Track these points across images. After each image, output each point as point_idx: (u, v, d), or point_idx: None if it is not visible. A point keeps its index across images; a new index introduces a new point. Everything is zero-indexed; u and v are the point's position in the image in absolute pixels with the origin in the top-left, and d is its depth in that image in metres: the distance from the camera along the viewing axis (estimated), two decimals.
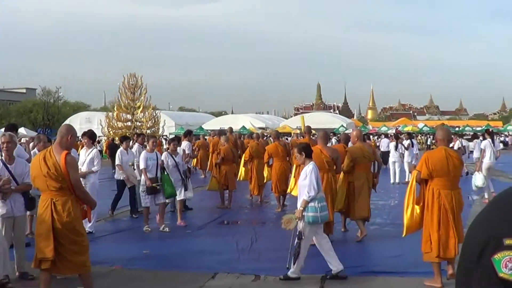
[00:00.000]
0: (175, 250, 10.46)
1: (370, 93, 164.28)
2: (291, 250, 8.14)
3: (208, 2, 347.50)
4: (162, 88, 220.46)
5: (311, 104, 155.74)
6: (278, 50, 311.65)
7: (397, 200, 15.98)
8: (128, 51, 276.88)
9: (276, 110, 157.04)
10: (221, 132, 23.12)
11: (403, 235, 8.12)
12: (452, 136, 9.52)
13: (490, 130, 20.79)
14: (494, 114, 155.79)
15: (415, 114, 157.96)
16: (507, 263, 1.50)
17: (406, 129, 53.60)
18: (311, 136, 15.67)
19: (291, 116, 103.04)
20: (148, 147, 12.96)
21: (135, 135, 18.86)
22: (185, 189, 13.11)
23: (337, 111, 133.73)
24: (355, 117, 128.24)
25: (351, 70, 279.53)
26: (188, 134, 18.94)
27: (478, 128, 73.86)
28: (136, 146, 15.22)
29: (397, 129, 56.65)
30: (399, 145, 22.67)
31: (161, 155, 13.04)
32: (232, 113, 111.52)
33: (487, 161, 16.61)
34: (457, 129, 71.50)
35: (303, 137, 17.61)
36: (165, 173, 12.40)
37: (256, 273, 8.43)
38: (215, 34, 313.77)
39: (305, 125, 25.74)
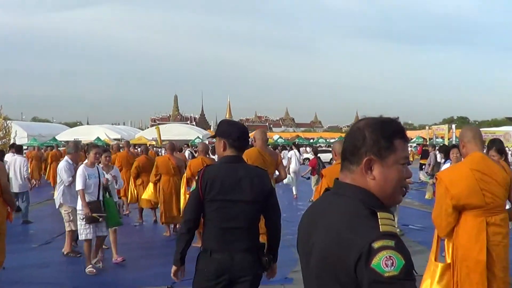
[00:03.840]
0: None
1: (227, 105, 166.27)
2: None
3: (65, 9, 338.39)
4: (15, 97, 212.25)
5: (168, 115, 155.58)
6: (135, 61, 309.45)
7: None
8: None
9: (132, 121, 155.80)
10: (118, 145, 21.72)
11: None
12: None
13: (296, 143, 27.31)
14: (348, 126, 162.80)
15: (271, 126, 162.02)
16: (386, 262, 1.73)
17: None
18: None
19: (148, 127, 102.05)
20: (88, 160, 9.61)
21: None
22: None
23: (194, 123, 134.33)
24: (211, 129, 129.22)
25: (208, 82, 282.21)
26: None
27: (332, 140, 77.03)
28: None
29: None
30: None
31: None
32: (88, 123, 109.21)
33: (293, 166, 21.22)
34: (311, 140, 74.10)
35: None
36: (108, 195, 9.70)
37: None
38: (69, 44, 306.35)
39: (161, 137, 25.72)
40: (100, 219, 9.08)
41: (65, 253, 10.31)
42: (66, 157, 10.55)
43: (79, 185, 9.12)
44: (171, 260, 4.51)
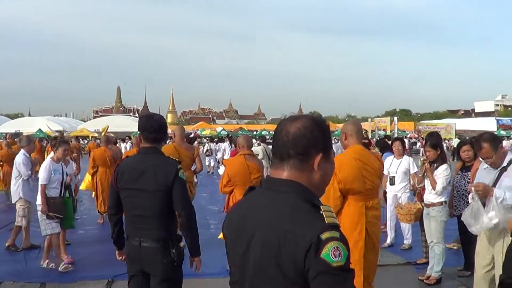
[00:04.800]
0: None
1: (170, 96, 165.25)
2: None
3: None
4: None
5: (111, 107, 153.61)
6: (78, 53, 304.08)
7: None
8: None
9: (74, 113, 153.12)
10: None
11: None
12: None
13: (230, 135, 28.32)
14: None
15: (215, 118, 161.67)
16: (334, 252, 1.82)
17: (204, 132, 54.49)
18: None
19: (90, 119, 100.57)
20: (55, 155, 9.24)
21: None
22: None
23: (137, 114, 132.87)
24: None
25: (151, 73, 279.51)
26: None
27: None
28: None
29: (195, 132, 57.40)
30: None
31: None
32: (30, 115, 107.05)
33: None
34: (255, 132, 74.16)
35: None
36: (69, 194, 9.32)
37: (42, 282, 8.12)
38: (9, 34, 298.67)
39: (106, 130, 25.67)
40: (56, 220, 8.81)
41: (6, 245, 10.18)
42: (22, 151, 10.43)
43: (43, 180, 8.77)
44: (113, 254, 4.92)
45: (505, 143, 34.56)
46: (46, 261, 8.91)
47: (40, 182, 8.87)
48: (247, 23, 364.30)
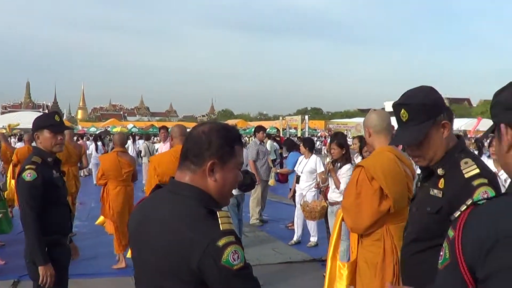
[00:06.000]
0: None
1: (80, 92, 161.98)
2: None
3: None
4: None
5: (20, 102, 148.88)
6: None
7: None
8: None
9: None
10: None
11: None
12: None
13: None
14: (203, 116, 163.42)
15: (126, 115, 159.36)
16: (233, 256, 1.90)
17: (115, 130, 53.57)
18: None
19: None
20: None
21: None
22: None
23: (46, 111, 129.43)
24: (65, 117, 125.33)
25: (62, 69, 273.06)
26: None
27: (188, 129, 76.80)
28: None
29: (106, 129, 56.46)
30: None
31: None
32: None
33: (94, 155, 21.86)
34: None
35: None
36: (2, 197, 9.05)
37: None
38: None
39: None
40: None
41: None
42: None
43: None
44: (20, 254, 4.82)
45: None
46: None
47: None
48: (158, 19, 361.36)
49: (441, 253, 1.61)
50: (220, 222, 1.98)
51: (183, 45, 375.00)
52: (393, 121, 3.34)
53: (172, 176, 2.26)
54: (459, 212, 1.59)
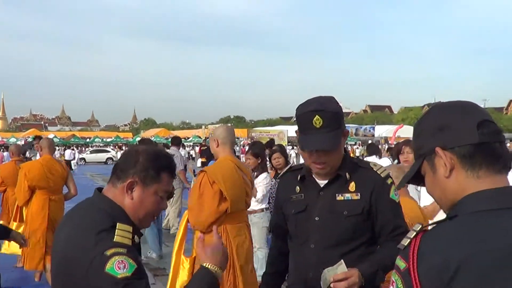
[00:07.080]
0: None
1: (0, 102, 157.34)
2: None
3: None
4: None
5: None
6: None
7: None
8: None
9: None
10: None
11: None
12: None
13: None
14: (125, 125, 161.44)
15: (47, 124, 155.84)
16: (119, 265, 1.92)
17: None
18: None
19: None
20: None
21: None
22: None
23: None
24: None
25: None
26: None
27: (109, 139, 75.57)
28: None
29: (25, 140, 55.04)
30: None
31: None
32: None
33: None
34: (88, 140, 72.24)
35: None
36: None
37: None
38: None
39: None
40: None
41: None
42: None
43: None
44: None
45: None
46: None
47: None
48: (79, 28, 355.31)
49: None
50: (115, 234, 2.03)
51: (105, 54, 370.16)
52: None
53: (98, 187, 2.32)
54: (408, 240, 1.44)
